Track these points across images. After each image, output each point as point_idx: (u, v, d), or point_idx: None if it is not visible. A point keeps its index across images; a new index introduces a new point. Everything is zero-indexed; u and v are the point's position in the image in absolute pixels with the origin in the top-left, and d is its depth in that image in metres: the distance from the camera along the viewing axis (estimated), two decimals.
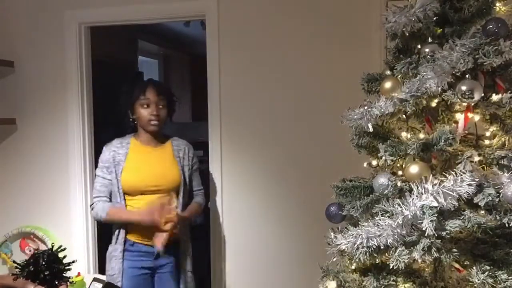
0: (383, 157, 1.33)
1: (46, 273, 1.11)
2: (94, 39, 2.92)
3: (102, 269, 2.93)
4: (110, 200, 2.29)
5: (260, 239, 2.63)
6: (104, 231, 3.00)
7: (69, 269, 1.16)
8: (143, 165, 2.28)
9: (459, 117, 1.32)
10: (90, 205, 2.34)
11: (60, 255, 1.16)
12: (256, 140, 2.54)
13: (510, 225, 1.21)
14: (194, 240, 2.40)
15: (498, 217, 1.22)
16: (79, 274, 2.47)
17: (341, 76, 2.39)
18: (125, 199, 2.26)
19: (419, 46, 1.39)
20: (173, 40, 5.23)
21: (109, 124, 3.52)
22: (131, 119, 2.32)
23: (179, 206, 2.25)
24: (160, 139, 2.35)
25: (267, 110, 2.58)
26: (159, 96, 2.27)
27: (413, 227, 1.23)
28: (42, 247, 2.89)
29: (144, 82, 2.35)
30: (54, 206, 2.90)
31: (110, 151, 2.30)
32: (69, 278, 1.17)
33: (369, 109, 1.34)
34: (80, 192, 2.85)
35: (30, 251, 2.92)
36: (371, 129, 1.36)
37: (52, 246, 1.16)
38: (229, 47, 2.61)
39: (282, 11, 2.54)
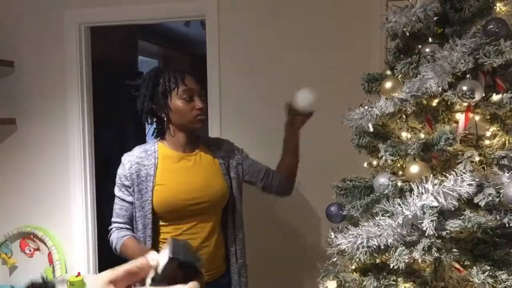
0: (384, 157, 1.33)
1: None
2: (94, 39, 2.93)
3: (102, 269, 2.93)
4: (132, 227, 1.81)
5: (259, 239, 2.62)
6: (104, 231, 3.01)
7: None
8: (181, 177, 1.79)
9: (460, 117, 1.32)
10: (109, 229, 1.87)
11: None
12: (256, 140, 2.53)
13: (510, 225, 1.20)
14: None
15: (498, 217, 1.22)
16: (79, 274, 2.46)
17: (341, 76, 2.39)
18: (154, 228, 1.75)
19: (419, 46, 1.39)
20: (173, 40, 5.22)
21: (109, 124, 3.53)
22: (164, 119, 1.79)
23: (237, 238, 1.87)
24: (196, 142, 1.88)
25: (267, 110, 2.58)
26: (198, 85, 1.81)
27: (414, 227, 1.23)
28: (42, 247, 2.90)
29: (177, 70, 1.81)
30: (54, 206, 2.90)
31: (131, 163, 1.77)
32: None
33: (370, 109, 1.34)
34: (80, 192, 2.85)
35: (30, 251, 2.92)
36: (371, 129, 1.36)
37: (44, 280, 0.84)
38: (229, 47, 2.61)
39: (282, 11, 2.54)
